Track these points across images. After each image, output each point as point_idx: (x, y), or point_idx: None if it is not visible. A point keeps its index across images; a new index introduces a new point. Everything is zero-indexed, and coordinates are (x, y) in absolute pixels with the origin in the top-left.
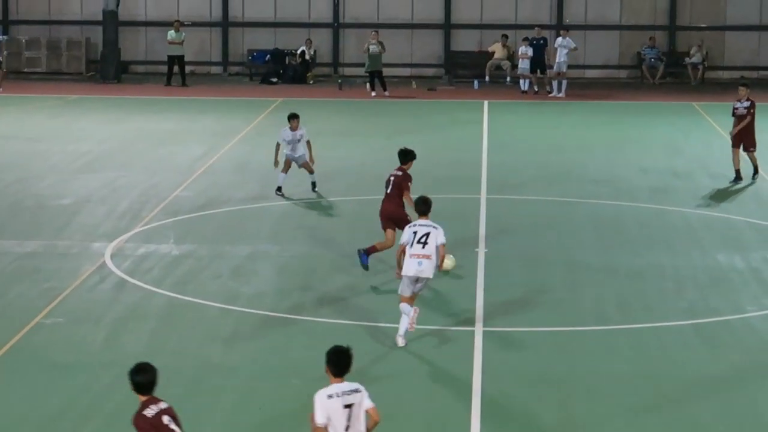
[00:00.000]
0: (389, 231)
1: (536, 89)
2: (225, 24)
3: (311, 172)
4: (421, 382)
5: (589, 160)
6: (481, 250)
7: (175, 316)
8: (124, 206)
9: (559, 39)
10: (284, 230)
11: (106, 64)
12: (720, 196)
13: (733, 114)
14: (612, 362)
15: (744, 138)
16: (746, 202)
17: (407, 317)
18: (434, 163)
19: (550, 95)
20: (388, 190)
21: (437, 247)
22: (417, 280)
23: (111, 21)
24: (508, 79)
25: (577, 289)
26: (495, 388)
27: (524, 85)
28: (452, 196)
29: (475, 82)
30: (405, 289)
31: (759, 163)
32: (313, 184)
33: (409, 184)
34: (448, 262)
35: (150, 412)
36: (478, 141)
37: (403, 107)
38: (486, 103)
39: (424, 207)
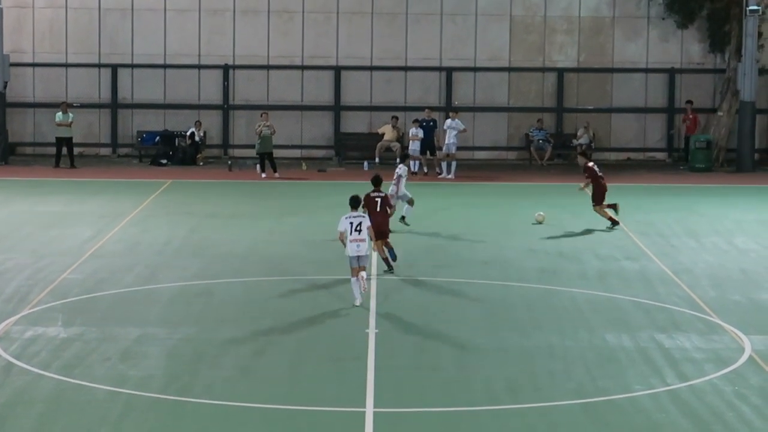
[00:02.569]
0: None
1: (426, 171)
2: (114, 105)
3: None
4: None
5: (477, 242)
6: (372, 331)
7: (62, 399)
8: (11, 289)
9: (448, 121)
10: (173, 313)
11: None
12: (607, 276)
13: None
14: None
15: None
16: (633, 282)
17: (357, 285)
18: (325, 245)
19: (439, 177)
20: (378, 209)
21: (368, 229)
22: (358, 258)
23: None
24: (398, 160)
25: (467, 369)
26: None
27: (414, 166)
28: (342, 277)
29: (365, 163)
30: (351, 265)
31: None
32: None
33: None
34: (540, 218)
35: None
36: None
37: (293, 188)
38: None
39: (355, 203)
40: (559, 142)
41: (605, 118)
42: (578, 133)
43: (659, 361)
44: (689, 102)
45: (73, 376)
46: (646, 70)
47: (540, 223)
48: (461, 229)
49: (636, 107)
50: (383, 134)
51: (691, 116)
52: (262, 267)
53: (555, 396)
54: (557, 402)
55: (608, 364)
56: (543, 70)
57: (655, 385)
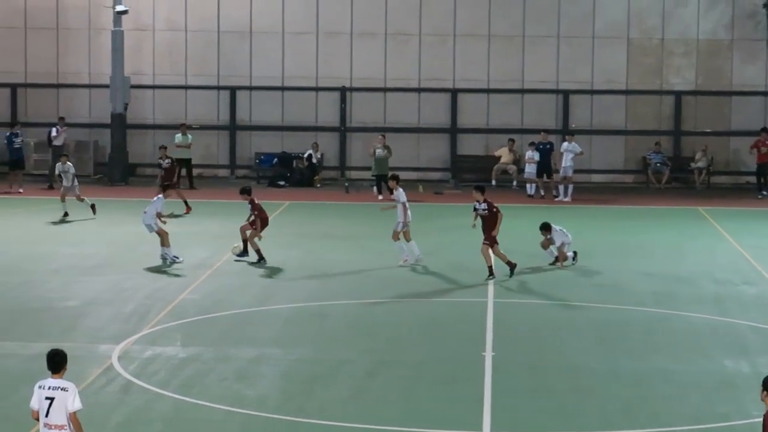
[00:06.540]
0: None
1: (542, 194)
2: (232, 127)
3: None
4: None
5: (593, 265)
6: (488, 354)
7: (180, 419)
8: (131, 309)
9: (565, 144)
10: (288, 333)
11: (113, 167)
12: (724, 300)
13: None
14: None
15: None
16: (750, 306)
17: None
18: (441, 267)
19: (556, 199)
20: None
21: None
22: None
23: (119, 124)
24: (515, 183)
25: (582, 393)
26: None
27: (530, 189)
28: (459, 300)
29: None
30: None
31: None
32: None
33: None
34: (236, 250)
35: None
36: None
37: (409, 211)
38: None
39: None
40: (677, 166)
41: (724, 141)
42: (696, 157)
43: None
44: (765, 129)
45: (191, 396)
46: (765, 94)
47: (235, 254)
48: (577, 252)
49: (755, 130)
50: (500, 157)
51: None
52: (377, 288)
53: (671, 421)
54: (674, 427)
55: (725, 389)
56: (660, 92)
57: None
